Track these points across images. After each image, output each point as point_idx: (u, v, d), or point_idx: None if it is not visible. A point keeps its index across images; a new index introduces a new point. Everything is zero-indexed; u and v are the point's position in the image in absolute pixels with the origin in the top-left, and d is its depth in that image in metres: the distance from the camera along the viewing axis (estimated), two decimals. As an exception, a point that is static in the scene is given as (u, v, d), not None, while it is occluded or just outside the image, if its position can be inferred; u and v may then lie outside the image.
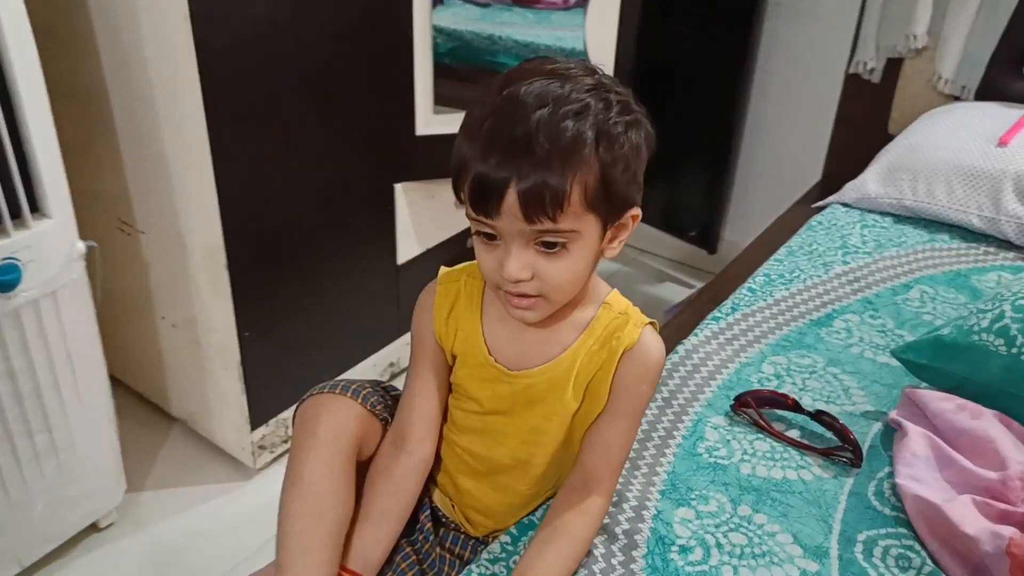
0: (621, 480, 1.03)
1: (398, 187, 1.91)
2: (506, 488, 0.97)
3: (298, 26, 1.56)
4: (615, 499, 1.00)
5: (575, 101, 0.77)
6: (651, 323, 0.92)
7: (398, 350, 2.14)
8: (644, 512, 0.99)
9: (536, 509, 0.99)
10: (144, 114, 1.56)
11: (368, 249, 1.94)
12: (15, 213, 1.35)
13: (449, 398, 0.98)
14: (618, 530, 0.96)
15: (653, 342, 0.90)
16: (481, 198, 0.77)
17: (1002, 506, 0.98)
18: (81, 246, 1.47)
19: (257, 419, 1.83)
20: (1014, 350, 1.08)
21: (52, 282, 1.42)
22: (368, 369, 2.06)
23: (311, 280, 1.81)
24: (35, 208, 1.38)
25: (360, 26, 1.68)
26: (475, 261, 0.89)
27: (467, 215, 0.81)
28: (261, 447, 1.87)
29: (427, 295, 0.97)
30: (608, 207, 0.80)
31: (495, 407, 0.93)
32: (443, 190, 2.03)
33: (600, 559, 0.93)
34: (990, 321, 1.12)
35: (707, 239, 2.59)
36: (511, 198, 0.76)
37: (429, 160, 1.92)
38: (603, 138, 0.77)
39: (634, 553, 0.94)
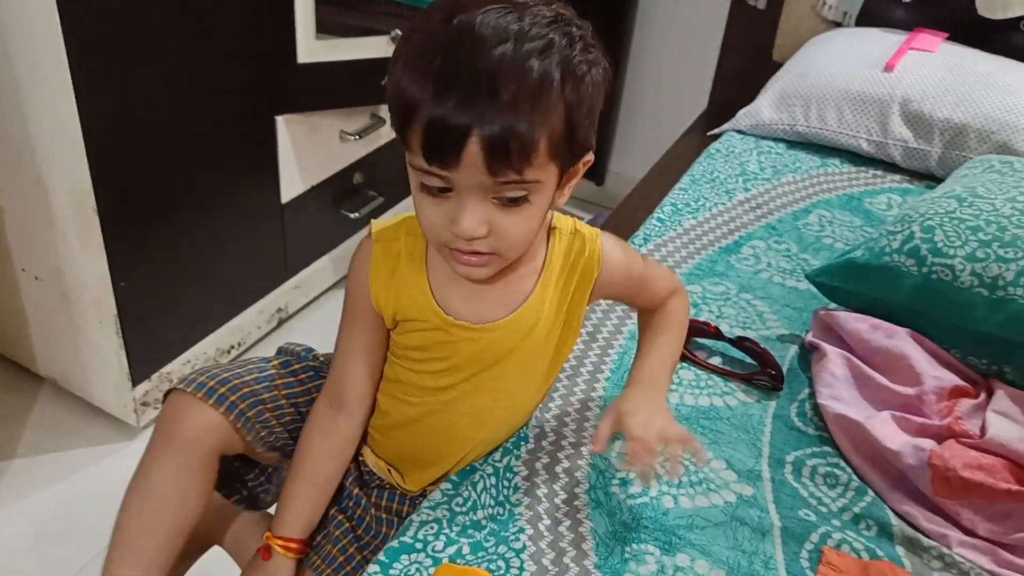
0: (554, 419, 1.00)
1: (279, 120, 1.79)
2: (461, 439, 0.91)
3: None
4: (553, 437, 0.97)
5: (538, 37, 0.68)
6: (599, 232, 0.88)
7: (286, 295, 2.03)
8: (582, 448, 0.97)
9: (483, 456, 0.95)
10: (-10, 42, 1.38)
11: (250, 188, 1.81)
12: None
13: (394, 360, 0.89)
14: (558, 468, 0.94)
15: (613, 252, 0.88)
16: (437, 147, 0.67)
17: (920, 420, 1.02)
18: (-77, 193, 1.29)
19: (138, 375, 1.70)
20: (924, 269, 1.11)
21: None
22: (255, 316, 1.95)
23: (190, 223, 1.68)
24: None
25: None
26: (411, 215, 0.81)
27: (411, 164, 0.71)
28: (144, 404, 1.74)
29: (363, 253, 0.85)
30: (570, 153, 0.73)
31: (457, 366, 0.85)
32: (327, 123, 1.92)
33: (543, 499, 0.90)
34: (900, 242, 1.15)
35: (594, 171, 2.57)
36: (474, 147, 0.66)
37: (313, 91, 1.80)
38: (569, 78, 0.69)
39: (576, 490, 0.92)
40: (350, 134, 1.97)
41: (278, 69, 1.72)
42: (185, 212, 1.67)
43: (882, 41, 1.77)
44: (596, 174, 2.59)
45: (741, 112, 1.78)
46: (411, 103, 0.68)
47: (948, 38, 1.78)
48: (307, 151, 1.90)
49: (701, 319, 1.17)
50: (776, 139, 1.73)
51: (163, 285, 1.68)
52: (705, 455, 0.95)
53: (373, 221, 0.87)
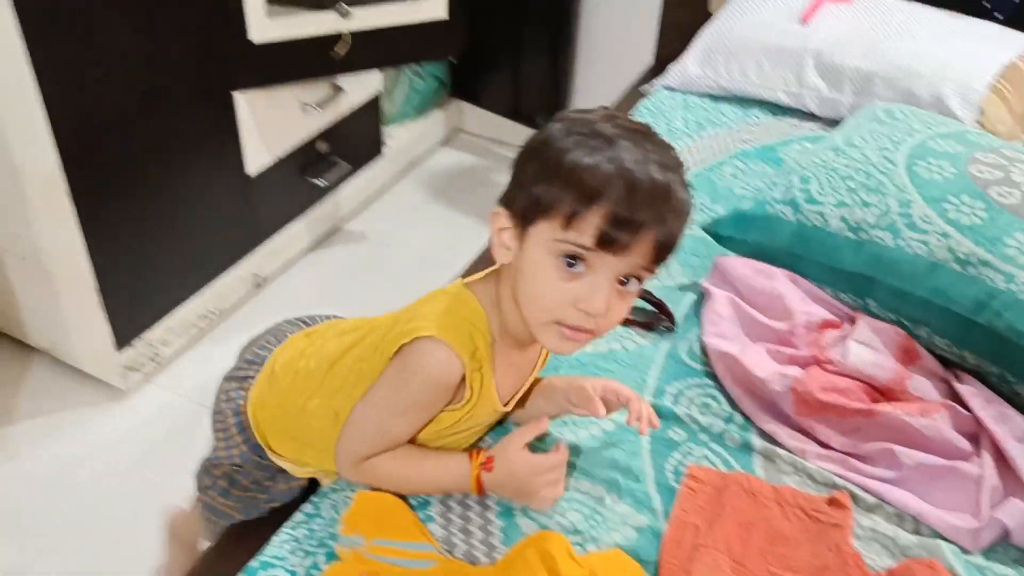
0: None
1: (238, 95, 1.90)
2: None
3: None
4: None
5: (679, 165, 0.81)
6: None
7: (259, 261, 2.16)
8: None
9: None
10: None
11: (213, 161, 1.93)
12: None
13: None
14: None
15: None
16: (617, 234, 0.77)
17: (790, 351, 1.15)
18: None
19: (122, 341, 1.84)
20: (800, 216, 1.23)
21: None
22: (232, 282, 2.09)
23: (159, 197, 1.81)
24: None
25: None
26: (462, 320, 0.87)
27: (549, 238, 0.80)
28: (129, 368, 1.89)
29: (448, 369, 0.86)
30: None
31: (478, 431, 0.99)
32: (286, 96, 2.03)
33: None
34: (782, 193, 1.27)
35: (553, 124, 2.67)
36: (647, 242, 0.78)
37: (268, 65, 1.89)
38: (691, 195, 0.83)
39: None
40: (311, 105, 2.08)
41: (230, 44, 1.81)
42: (152, 187, 1.79)
43: (803, -7, 1.85)
44: (556, 129, 2.68)
45: (670, 68, 1.88)
46: (596, 191, 0.77)
47: (869, -12, 1.87)
48: (269, 123, 2.01)
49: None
50: (703, 94, 1.83)
51: (138, 256, 1.82)
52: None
53: (433, 331, 0.85)
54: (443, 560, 0.90)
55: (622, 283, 0.82)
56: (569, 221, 0.78)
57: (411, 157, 2.70)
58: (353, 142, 2.33)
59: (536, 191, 0.80)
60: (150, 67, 1.67)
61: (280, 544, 0.92)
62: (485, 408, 0.93)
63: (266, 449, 1.04)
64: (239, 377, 1.06)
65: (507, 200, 0.84)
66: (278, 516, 0.96)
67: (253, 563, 0.90)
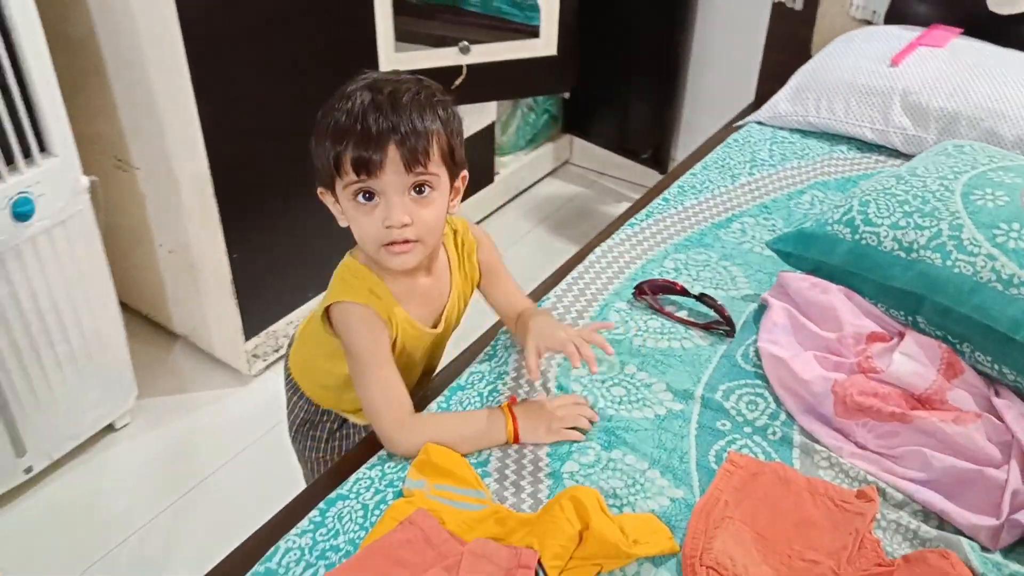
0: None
1: (365, 121, 2.12)
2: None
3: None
4: (523, 368, 1.25)
5: (407, 81, 1.02)
6: (462, 220, 1.19)
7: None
8: (548, 373, 1.24)
9: None
10: (133, 60, 1.77)
11: (341, 178, 2.16)
12: (26, 153, 1.57)
13: None
14: (521, 392, 1.21)
15: (477, 230, 1.22)
16: (364, 160, 0.97)
17: (836, 359, 1.23)
18: (85, 180, 1.70)
19: (250, 331, 2.08)
20: (856, 236, 1.31)
21: (61, 213, 1.66)
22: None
23: (291, 204, 2.04)
24: (42, 148, 1.61)
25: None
26: (353, 275, 1.09)
27: (342, 189, 1.01)
28: (255, 356, 2.12)
29: (360, 312, 1.07)
30: (452, 166, 1.04)
31: (420, 355, 1.19)
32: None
33: (510, 407, 1.18)
34: (841, 214, 1.35)
35: (659, 160, 2.80)
36: (392, 151, 0.97)
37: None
38: (438, 106, 1.01)
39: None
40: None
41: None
42: (287, 194, 2.03)
43: (898, 38, 1.93)
44: (660, 163, 2.81)
45: (764, 105, 1.98)
46: (338, 141, 0.98)
47: (963, 33, 1.92)
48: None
49: (671, 280, 1.41)
50: (792, 129, 1.92)
51: (269, 256, 2.06)
52: (609, 348, 1.16)
53: (336, 301, 1.09)
54: (492, 505, 1.03)
55: (419, 192, 1.01)
56: (339, 171, 0.99)
57: (520, 185, 2.88)
58: (468, 168, 2.52)
59: (319, 162, 1.03)
60: (292, 90, 1.91)
61: (355, 481, 1.08)
62: (413, 334, 1.12)
63: (312, 400, 1.27)
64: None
65: (319, 180, 1.07)
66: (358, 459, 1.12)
67: (332, 495, 1.06)
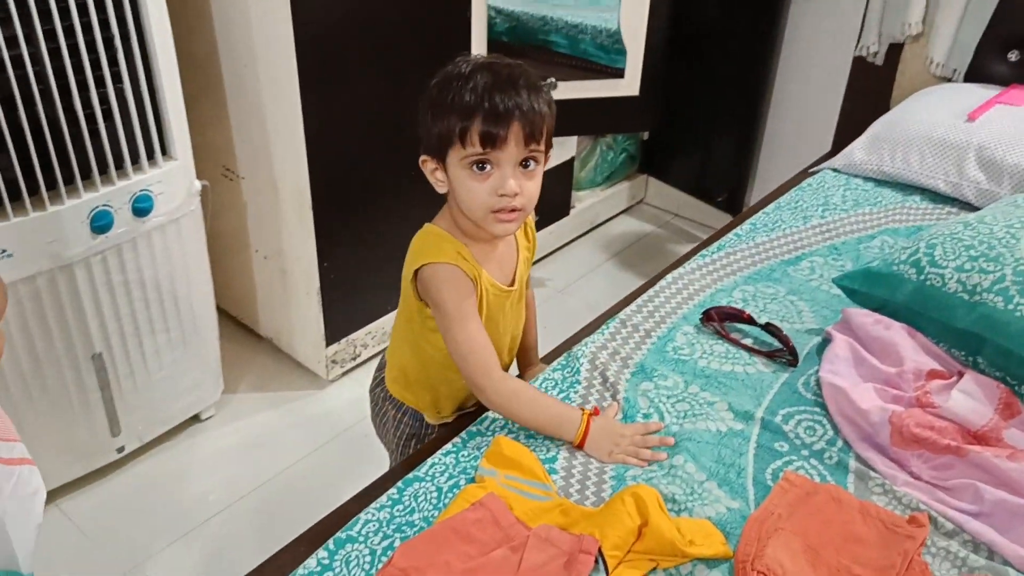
0: (602, 362, 1.35)
1: (453, 147, 2.24)
2: (504, 351, 1.32)
3: (373, 5, 1.90)
4: (600, 378, 1.32)
5: (515, 66, 1.12)
6: None
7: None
8: (619, 385, 1.31)
9: None
10: (248, 77, 1.93)
11: (426, 197, 2.25)
12: (150, 154, 1.73)
13: None
14: (591, 401, 1.29)
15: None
16: (492, 134, 1.07)
17: (895, 392, 1.28)
18: (198, 184, 1.84)
19: (331, 338, 2.20)
20: (921, 277, 1.36)
21: (176, 212, 1.81)
22: (424, 303, 2.41)
23: (380, 220, 2.16)
24: (164, 151, 1.76)
25: (424, 5, 2.02)
26: (439, 239, 1.18)
27: (459, 159, 1.10)
28: (333, 362, 2.24)
29: (448, 271, 1.16)
30: (549, 142, 1.15)
31: (506, 312, 1.28)
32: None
33: (579, 412, 1.26)
34: (908, 255, 1.40)
35: (733, 204, 2.86)
36: (515, 128, 1.08)
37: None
38: (543, 90, 1.13)
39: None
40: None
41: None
42: (378, 211, 2.15)
43: (976, 95, 1.97)
44: (734, 207, 2.87)
45: (840, 153, 2.04)
46: (466, 115, 1.08)
47: (1044, 93, 1.96)
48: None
49: (738, 308, 1.48)
50: (866, 178, 1.97)
51: (356, 267, 2.18)
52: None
53: (423, 258, 1.19)
54: (558, 499, 1.11)
55: (524, 166, 1.11)
56: (462, 141, 1.09)
57: (594, 220, 2.97)
58: (545, 199, 2.60)
59: (435, 131, 1.12)
60: (393, 118, 2.05)
61: (431, 466, 1.17)
62: (495, 293, 1.21)
63: (418, 410, 1.36)
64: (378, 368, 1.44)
65: (425, 148, 1.16)
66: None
67: (409, 475, 1.15)
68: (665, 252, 2.91)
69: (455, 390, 1.32)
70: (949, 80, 2.17)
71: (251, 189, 2.13)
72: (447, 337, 1.19)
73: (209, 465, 2.03)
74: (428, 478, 1.15)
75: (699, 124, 2.85)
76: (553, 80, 2.28)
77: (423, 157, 1.18)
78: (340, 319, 2.21)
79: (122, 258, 1.74)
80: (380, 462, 1.61)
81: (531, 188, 1.13)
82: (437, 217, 1.24)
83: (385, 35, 1.96)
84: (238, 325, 2.43)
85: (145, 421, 1.97)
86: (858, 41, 2.29)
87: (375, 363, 2.39)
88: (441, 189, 1.19)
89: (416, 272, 1.19)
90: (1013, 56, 2.07)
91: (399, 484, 1.14)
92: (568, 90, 2.30)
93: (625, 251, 2.90)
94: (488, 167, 1.11)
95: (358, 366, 2.33)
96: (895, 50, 2.24)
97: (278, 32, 1.79)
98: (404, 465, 1.19)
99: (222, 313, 2.38)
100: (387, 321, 2.33)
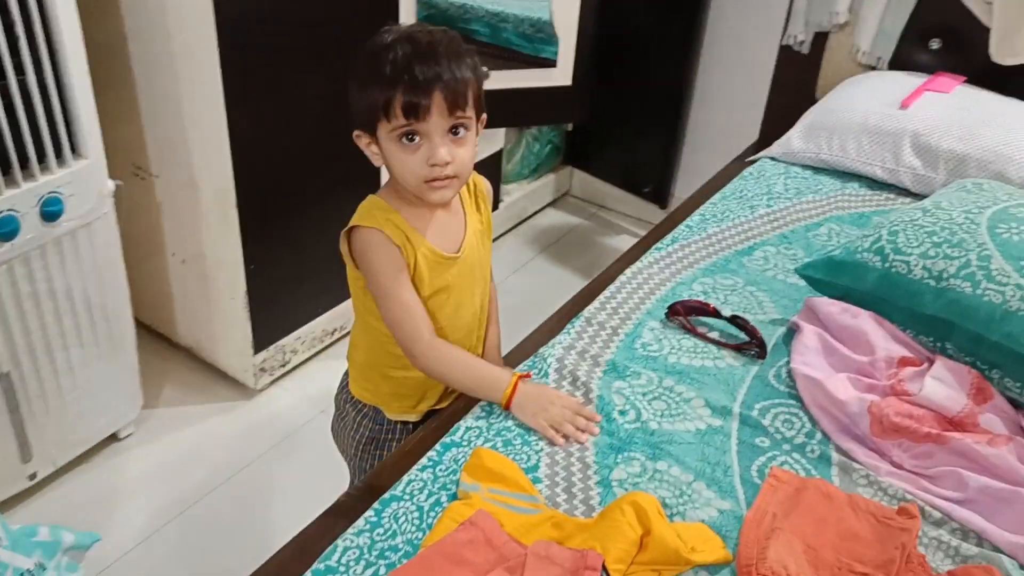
0: (571, 362, 1.30)
1: (383, 140, 2.14)
2: (467, 345, 1.28)
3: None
4: (570, 378, 1.27)
5: (437, 32, 1.10)
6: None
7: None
8: (591, 385, 1.26)
9: None
10: (164, 70, 1.78)
11: (358, 195, 2.14)
12: (58, 153, 1.57)
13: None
14: (564, 384, 1.23)
15: (483, 178, 1.31)
16: (413, 105, 1.05)
17: (869, 381, 1.27)
18: (111, 184, 1.69)
19: (259, 345, 2.07)
20: (886, 264, 1.36)
21: (88, 215, 1.66)
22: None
23: (309, 219, 2.05)
24: (74, 149, 1.61)
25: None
26: (372, 206, 1.17)
27: (388, 132, 1.09)
28: (262, 370, 2.11)
29: (375, 238, 1.15)
30: (479, 109, 1.14)
31: (457, 284, 1.23)
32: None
33: (558, 418, 1.20)
34: (870, 242, 1.40)
35: (660, 195, 2.86)
36: (437, 97, 1.06)
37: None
38: (466, 55, 1.10)
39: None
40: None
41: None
42: (306, 209, 2.04)
43: (904, 83, 2.00)
44: (661, 198, 2.87)
45: (776, 142, 2.04)
46: (388, 88, 1.06)
47: (967, 81, 2.01)
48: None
49: (704, 301, 1.45)
50: (804, 166, 1.98)
51: (285, 269, 2.06)
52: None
53: (351, 226, 1.18)
54: (548, 510, 1.04)
55: (455, 133, 1.10)
56: (387, 114, 1.08)
57: (522, 214, 2.91)
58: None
59: (362, 105, 1.10)
60: (321, 110, 1.94)
61: (408, 483, 1.09)
62: (434, 259, 1.19)
63: (382, 410, 1.31)
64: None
65: (356, 123, 1.15)
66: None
67: (386, 496, 1.07)
68: (595, 244, 2.88)
69: (411, 375, 1.26)
70: (874, 68, 2.21)
71: (166, 188, 1.98)
72: (380, 306, 1.19)
73: (131, 488, 1.87)
74: (406, 496, 1.07)
75: (624, 115, 2.83)
76: (485, 69, 2.21)
77: (356, 132, 1.17)
78: (268, 325, 2.08)
79: (30, 267, 1.58)
80: (322, 475, 1.52)
81: (462, 155, 1.12)
82: (382, 187, 1.24)
83: (310, 21, 1.85)
84: (152, 334, 2.26)
85: (59, 444, 1.80)
86: (784, 30, 2.30)
87: (306, 369, 2.30)
88: (377, 162, 1.17)
89: (350, 241, 1.19)
90: (935, 44, 2.11)
91: (376, 505, 1.05)
92: (499, 80, 2.23)
93: (555, 245, 2.86)
94: (417, 138, 1.10)
95: (288, 373, 2.20)
96: (820, 39, 2.26)
97: (197, 14, 1.65)
98: (373, 481, 1.10)
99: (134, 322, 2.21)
100: (318, 325, 2.21)
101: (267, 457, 1.98)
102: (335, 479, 1.46)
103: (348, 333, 2.35)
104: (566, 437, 1.16)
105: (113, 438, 1.96)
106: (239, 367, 2.11)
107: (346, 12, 1.90)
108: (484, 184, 1.31)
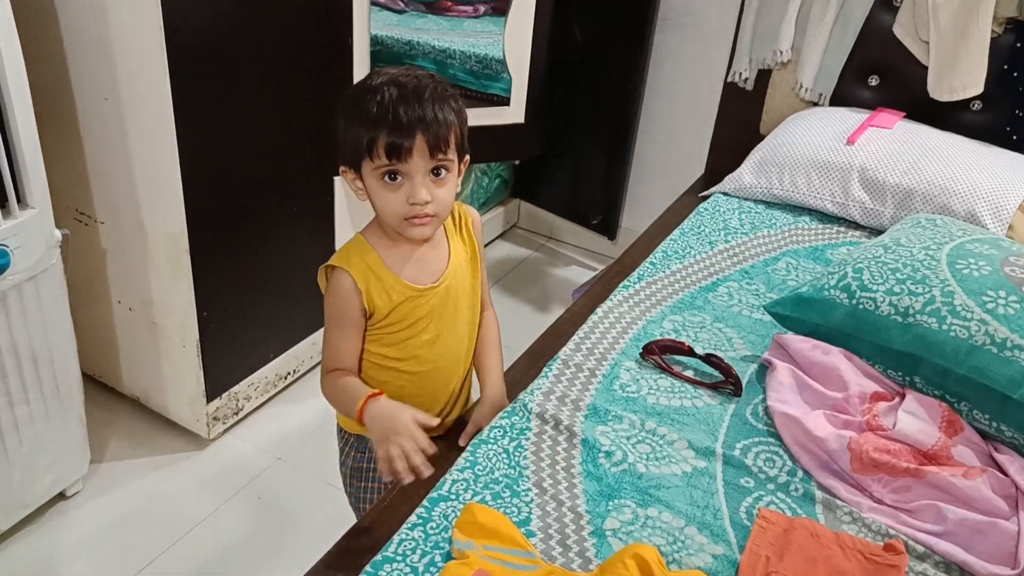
0: (552, 407, 1.29)
1: (338, 180, 2.11)
2: (442, 383, 1.31)
3: (253, 34, 1.76)
4: (552, 422, 1.26)
5: (423, 77, 1.14)
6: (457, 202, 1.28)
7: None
8: (575, 428, 1.25)
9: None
10: (110, 114, 1.72)
11: (311, 235, 2.13)
12: (3, 203, 1.50)
13: (391, 343, 1.25)
14: (559, 448, 1.22)
15: (472, 209, 1.33)
16: (396, 146, 1.09)
17: (845, 417, 1.29)
18: (58, 234, 1.63)
19: (212, 393, 2.00)
20: (853, 301, 1.39)
21: (35, 267, 1.58)
22: (308, 347, 2.25)
23: (262, 264, 2.00)
24: (20, 199, 1.53)
25: (306, 41, 1.89)
26: (352, 247, 1.21)
27: (371, 171, 1.12)
28: (215, 419, 2.04)
29: (344, 282, 1.19)
30: (462, 151, 1.18)
31: (437, 313, 1.24)
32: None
33: (546, 467, 1.18)
34: (837, 280, 1.43)
35: (607, 227, 2.88)
36: (419, 139, 1.09)
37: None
38: (451, 100, 1.14)
39: (572, 461, 1.20)
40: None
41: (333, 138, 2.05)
42: (259, 255, 1.99)
43: (848, 119, 2.07)
44: (609, 230, 2.89)
45: (727, 177, 2.08)
46: (373, 128, 1.09)
47: (907, 116, 2.08)
48: (357, 206, 2.22)
49: (678, 339, 1.46)
50: (756, 200, 2.03)
51: (238, 315, 2.00)
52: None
53: (325, 268, 1.23)
54: (546, 566, 1.03)
55: (436, 174, 1.14)
56: (370, 153, 1.11)
57: (473, 248, 2.90)
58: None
59: (348, 144, 1.14)
60: (276, 153, 1.90)
61: (399, 543, 1.06)
62: (410, 294, 1.21)
63: (348, 431, 1.35)
64: None
65: (342, 160, 1.18)
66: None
67: (378, 558, 1.04)
68: (545, 276, 2.89)
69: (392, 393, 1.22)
70: (816, 104, 2.28)
71: (111, 234, 1.91)
72: (324, 334, 1.24)
73: (80, 549, 1.78)
74: (399, 558, 1.04)
75: (570, 148, 2.85)
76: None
77: (342, 168, 1.20)
78: (221, 372, 2.01)
79: (-26, 324, 1.50)
80: (283, 528, 1.47)
81: (443, 195, 1.16)
82: (368, 223, 1.26)
83: (264, 63, 1.81)
84: (95, 384, 2.17)
85: (3, 507, 1.70)
86: (729, 67, 2.36)
87: (259, 416, 2.23)
88: (362, 198, 1.21)
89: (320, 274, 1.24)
90: (873, 81, 2.19)
91: (368, 569, 1.02)
92: (452, 118, 2.22)
93: (506, 278, 2.85)
94: (399, 177, 1.13)
95: (241, 420, 2.14)
96: (764, 76, 2.33)
97: (147, 49, 1.60)
98: (361, 540, 1.07)
99: (78, 373, 2.12)
100: (271, 369, 2.15)
101: (225, 510, 1.91)
102: (295, 533, 1.41)
103: (301, 376, 2.32)
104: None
105: (61, 496, 1.87)
106: (191, 416, 2.04)
107: (303, 54, 1.88)
108: (471, 214, 1.33)
